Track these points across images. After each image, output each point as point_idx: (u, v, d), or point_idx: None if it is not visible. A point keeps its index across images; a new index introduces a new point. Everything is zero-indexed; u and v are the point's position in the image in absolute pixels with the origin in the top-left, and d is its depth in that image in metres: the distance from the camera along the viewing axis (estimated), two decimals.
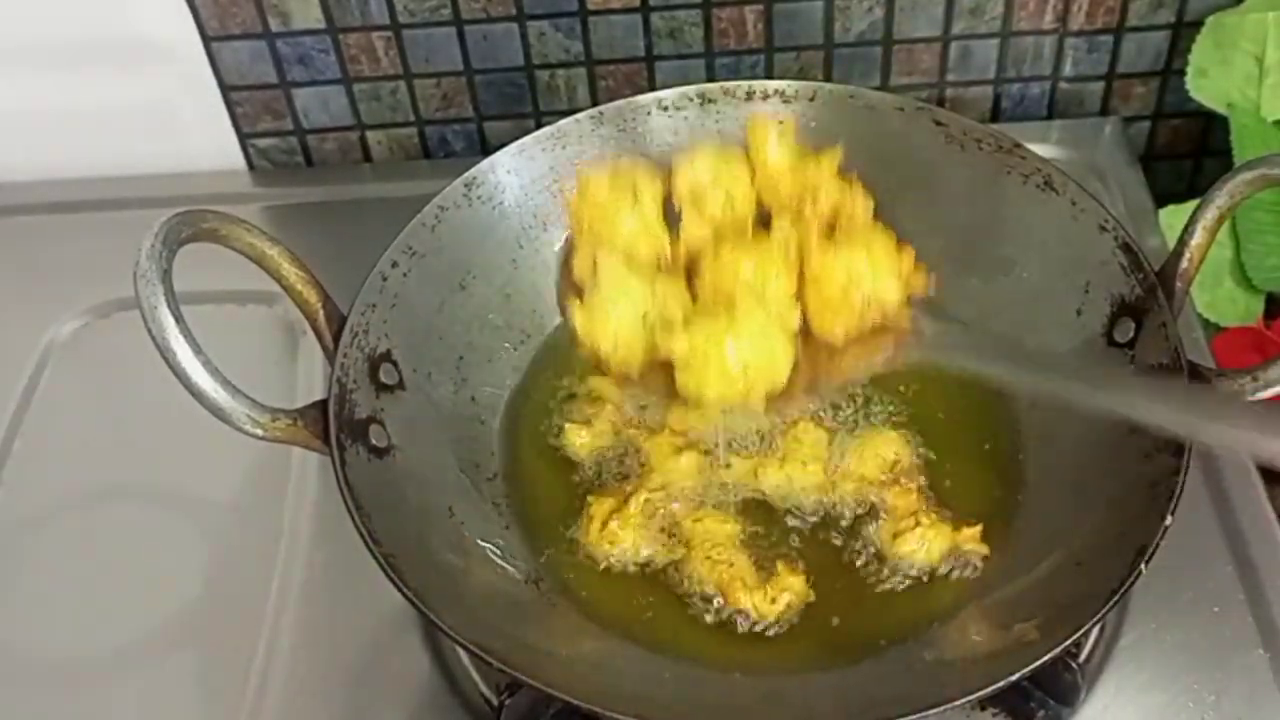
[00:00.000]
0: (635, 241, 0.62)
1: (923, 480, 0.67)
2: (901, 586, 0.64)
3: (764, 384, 0.59)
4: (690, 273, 0.63)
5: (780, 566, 0.64)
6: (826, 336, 0.61)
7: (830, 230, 0.63)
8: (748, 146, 0.66)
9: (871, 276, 0.60)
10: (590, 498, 0.67)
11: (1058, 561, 0.61)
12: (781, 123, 0.66)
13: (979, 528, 0.64)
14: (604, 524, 0.66)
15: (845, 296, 0.60)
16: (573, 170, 0.69)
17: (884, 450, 0.68)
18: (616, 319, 0.60)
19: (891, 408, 0.70)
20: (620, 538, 0.66)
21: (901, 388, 0.70)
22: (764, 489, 0.67)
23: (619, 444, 0.70)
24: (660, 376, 0.60)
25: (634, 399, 0.71)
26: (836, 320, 0.61)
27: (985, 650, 0.59)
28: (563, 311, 0.62)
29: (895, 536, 0.64)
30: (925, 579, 0.64)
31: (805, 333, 0.61)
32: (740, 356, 0.58)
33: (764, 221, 0.64)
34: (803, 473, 0.67)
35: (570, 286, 0.63)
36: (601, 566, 0.66)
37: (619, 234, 0.62)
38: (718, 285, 0.61)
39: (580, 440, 0.70)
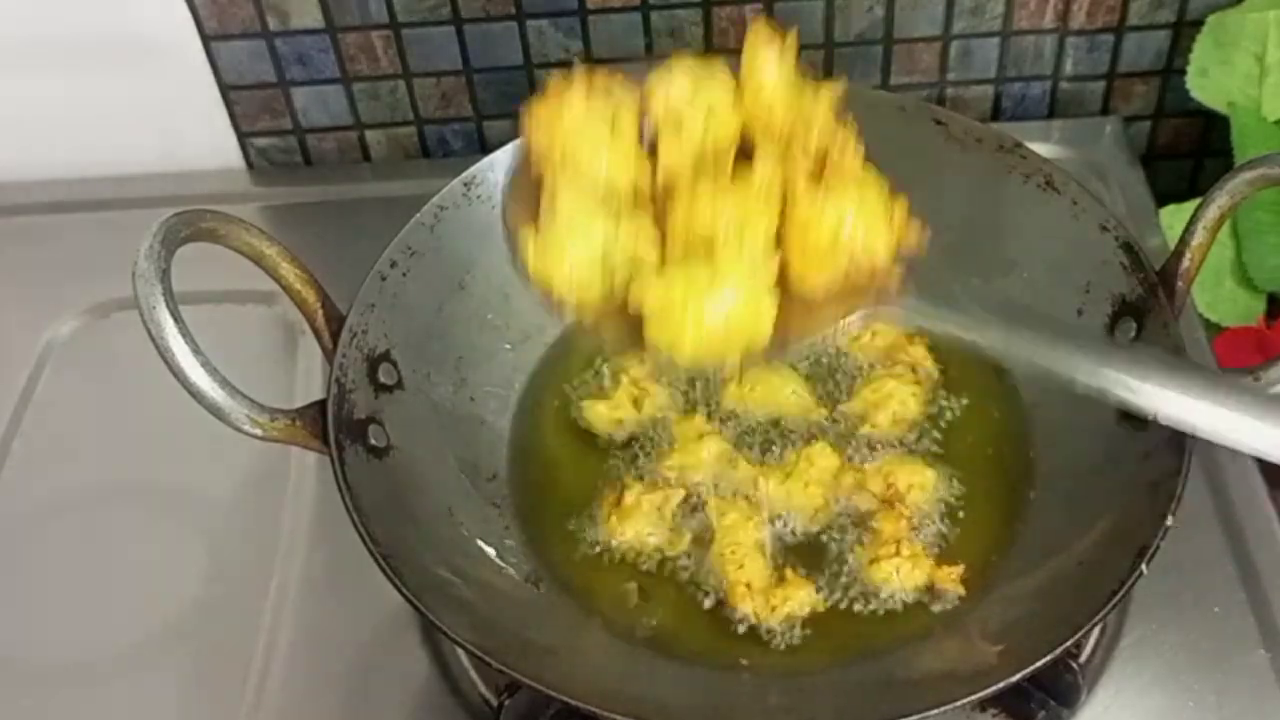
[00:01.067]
0: (606, 168, 0.56)
1: (916, 515, 0.66)
2: (893, 599, 0.64)
3: (743, 342, 0.54)
4: (661, 205, 0.57)
5: (789, 574, 0.64)
6: (806, 287, 0.56)
7: (819, 171, 0.56)
8: (742, 65, 0.60)
9: (861, 226, 0.55)
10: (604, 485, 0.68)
11: (1059, 562, 0.61)
12: (785, 39, 0.60)
13: (960, 568, 0.63)
14: (609, 516, 0.66)
15: (831, 246, 0.55)
16: None
17: (900, 477, 0.66)
18: (574, 256, 0.55)
19: (934, 436, 0.70)
20: (621, 531, 0.65)
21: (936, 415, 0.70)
22: (761, 497, 0.67)
23: (642, 420, 0.70)
24: (618, 323, 0.55)
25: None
26: (820, 271, 0.56)
27: (986, 652, 0.59)
28: (511, 241, 0.57)
29: (872, 562, 0.64)
30: (920, 590, 0.63)
31: (781, 280, 0.56)
32: (721, 312, 0.53)
33: (746, 150, 0.57)
34: (802, 493, 0.66)
35: (522, 211, 0.57)
36: (610, 561, 0.65)
37: (588, 159, 0.56)
38: (693, 227, 0.55)
39: (597, 413, 0.70)
